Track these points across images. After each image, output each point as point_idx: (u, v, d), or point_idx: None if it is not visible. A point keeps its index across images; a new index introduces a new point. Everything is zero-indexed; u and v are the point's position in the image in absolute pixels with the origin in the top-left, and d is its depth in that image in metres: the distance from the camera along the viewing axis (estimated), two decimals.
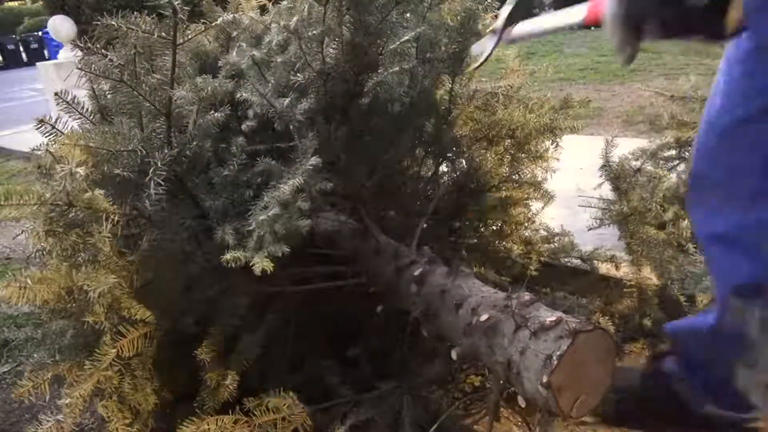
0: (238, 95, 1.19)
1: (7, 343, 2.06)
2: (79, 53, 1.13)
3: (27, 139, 5.46)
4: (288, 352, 1.47)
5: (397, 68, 1.25)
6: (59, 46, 6.28)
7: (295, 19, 1.19)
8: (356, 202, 1.53)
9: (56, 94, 1.24)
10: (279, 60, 1.22)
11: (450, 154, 1.69)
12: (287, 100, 1.15)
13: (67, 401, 1.03)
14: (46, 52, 16.20)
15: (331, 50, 1.20)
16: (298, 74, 1.20)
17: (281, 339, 1.46)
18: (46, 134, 1.14)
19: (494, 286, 1.21)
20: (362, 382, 1.42)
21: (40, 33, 17.45)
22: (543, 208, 1.97)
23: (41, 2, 18.33)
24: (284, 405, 1.18)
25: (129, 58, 1.09)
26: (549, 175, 1.88)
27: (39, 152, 1.16)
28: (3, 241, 3.11)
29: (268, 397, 1.19)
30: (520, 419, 1.44)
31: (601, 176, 1.87)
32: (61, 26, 5.85)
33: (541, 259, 1.88)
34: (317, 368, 1.45)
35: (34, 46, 18.24)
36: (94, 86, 1.33)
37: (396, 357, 1.50)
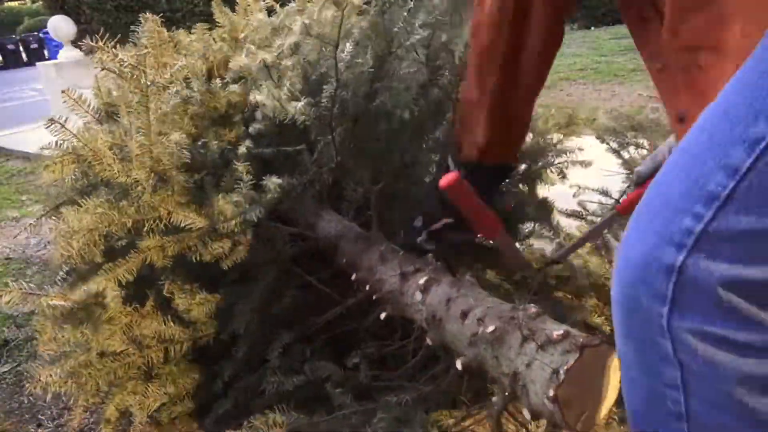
0: (251, 97, 1.18)
1: (7, 343, 2.05)
2: (80, 53, 1.13)
3: (27, 139, 5.47)
4: (288, 355, 1.47)
5: (406, 71, 1.24)
6: (59, 46, 6.25)
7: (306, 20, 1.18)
8: (361, 206, 1.52)
9: (63, 92, 1.23)
10: (289, 63, 1.22)
11: None
12: (300, 104, 1.15)
13: None
14: (46, 52, 16.15)
15: (345, 55, 1.20)
16: (311, 77, 1.20)
17: (282, 342, 1.45)
18: (55, 134, 1.14)
19: (497, 288, 1.20)
20: (361, 389, 1.41)
21: (40, 33, 17.42)
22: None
23: (41, 2, 18.34)
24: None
25: (141, 58, 1.09)
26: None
27: (46, 151, 1.16)
28: (3, 241, 3.10)
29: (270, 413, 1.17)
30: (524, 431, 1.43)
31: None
32: (61, 26, 5.85)
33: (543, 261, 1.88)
34: (318, 373, 1.44)
35: (34, 46, 18.17)
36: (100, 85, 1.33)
37: (397, 364, 1.49)
